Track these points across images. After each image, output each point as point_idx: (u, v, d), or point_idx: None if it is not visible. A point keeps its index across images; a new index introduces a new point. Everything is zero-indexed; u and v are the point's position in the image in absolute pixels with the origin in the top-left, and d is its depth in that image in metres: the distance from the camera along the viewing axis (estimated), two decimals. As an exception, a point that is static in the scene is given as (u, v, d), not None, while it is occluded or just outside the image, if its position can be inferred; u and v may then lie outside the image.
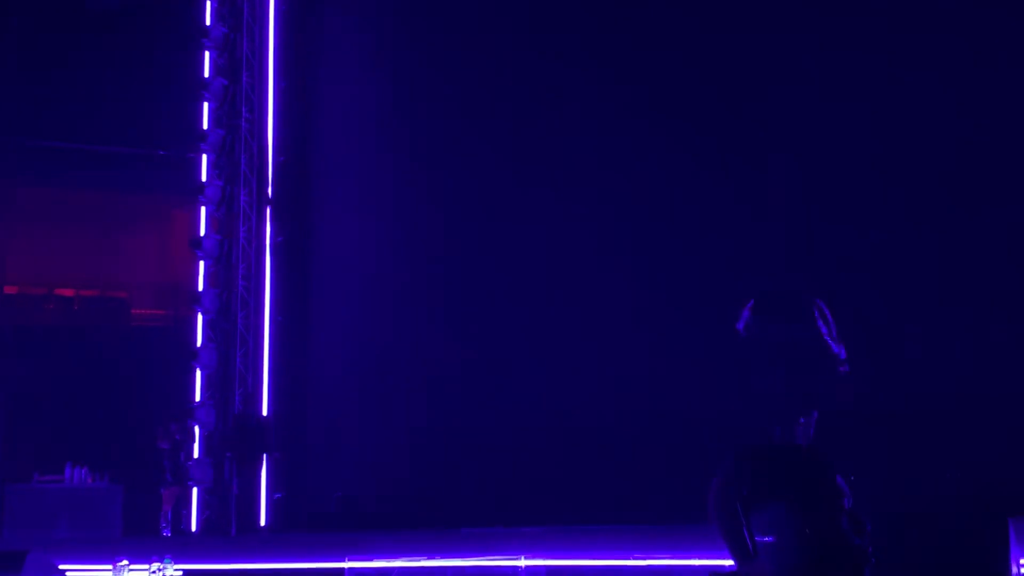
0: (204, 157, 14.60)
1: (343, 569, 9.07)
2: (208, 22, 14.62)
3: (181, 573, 8.87)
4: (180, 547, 10.55)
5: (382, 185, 14.41)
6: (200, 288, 14.52)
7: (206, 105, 14.65)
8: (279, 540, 12.06)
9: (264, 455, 13.88)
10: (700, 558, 7.72)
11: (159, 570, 7.91)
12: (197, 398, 14.27)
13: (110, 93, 15.20)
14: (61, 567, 9.34)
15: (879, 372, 10.98)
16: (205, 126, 14.62)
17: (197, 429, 14.06)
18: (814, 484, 2.07)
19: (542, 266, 13.09)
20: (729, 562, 2.10)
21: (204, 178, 14.56)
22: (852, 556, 2.04)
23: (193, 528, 13.80)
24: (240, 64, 14.72)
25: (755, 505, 2.01)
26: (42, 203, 16.38)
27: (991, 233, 11.18)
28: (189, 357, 14.28)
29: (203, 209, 14.58)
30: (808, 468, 2.07)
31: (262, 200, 14.77)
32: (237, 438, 13.93)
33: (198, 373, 14.34)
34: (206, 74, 14.65)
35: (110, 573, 8.24)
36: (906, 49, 11.64)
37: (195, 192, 14.48)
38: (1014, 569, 6.43)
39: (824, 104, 11.91)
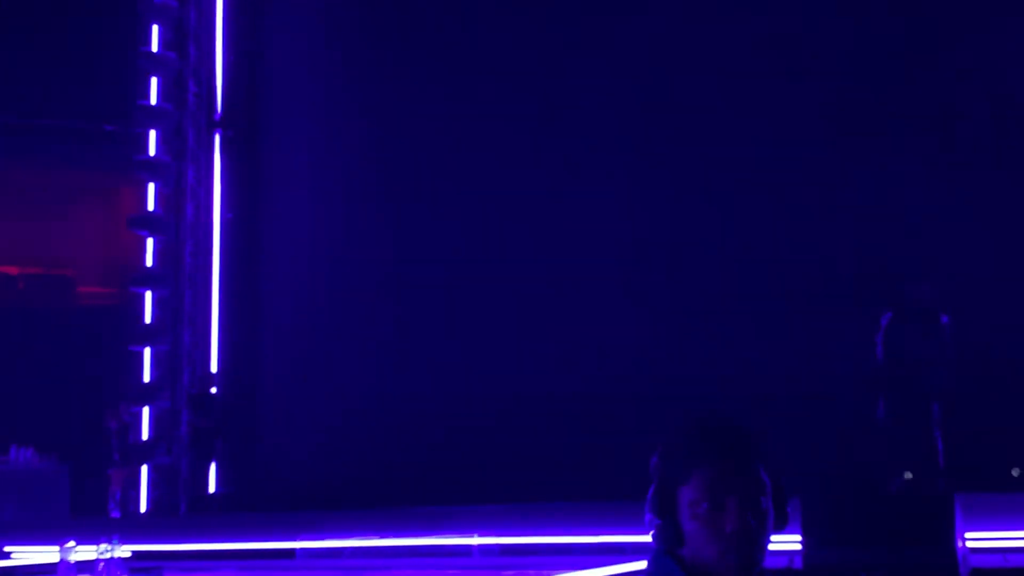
0: (152, 132, 14.39)
1: (294, 548, 9.01)
2: (155, -6, 14.38)
3: (130, 554, 8.75)
4: (128, 528, 10.43)
5: (335, 157, 14.25)
6: (148, 266, 14.34)
7: (154, 79, 14.42)
8: (229, 520, 11.97)
9: (214, 435, 13.76)
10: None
11: (107, 551, 7.76)
12: (146, 377, 14.11)
13: (55, 66, 14.91)
14: (6, 548, 9.20)
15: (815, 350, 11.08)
16: (153, 101, 14.40)
17: (145, 409, 13.91)
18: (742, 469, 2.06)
19: (505, 237, 12.97)
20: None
21: (152, 154, 14.36)
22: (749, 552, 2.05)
23: (142, 509, 13.67)
24: (188, 37, 14.49)
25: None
26: (-16, 179, 16.05)
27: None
28: (137, 336, 14.11)
29: (150, 185, 14.39)
30: (737, 452, 2.06)
31: (210, 175, 14.59)
32: (186, 417, 13.80)
33: (146, 352, 14.18)
34: (154, 47, 14.41)
35: (56, 554, 8.10)
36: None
37: (142, 168, 14.27)
38: (958, 543, 6.53)
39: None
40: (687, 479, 1.98)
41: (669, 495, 2.00)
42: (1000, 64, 11.10)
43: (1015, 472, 9.84)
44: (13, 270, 16.34)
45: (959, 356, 9.94)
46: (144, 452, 13.73)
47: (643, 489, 2.15)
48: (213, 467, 13.82)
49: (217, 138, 14.69)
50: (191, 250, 14.29)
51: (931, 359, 9.85)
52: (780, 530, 2.05)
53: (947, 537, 6.22)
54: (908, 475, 9.62)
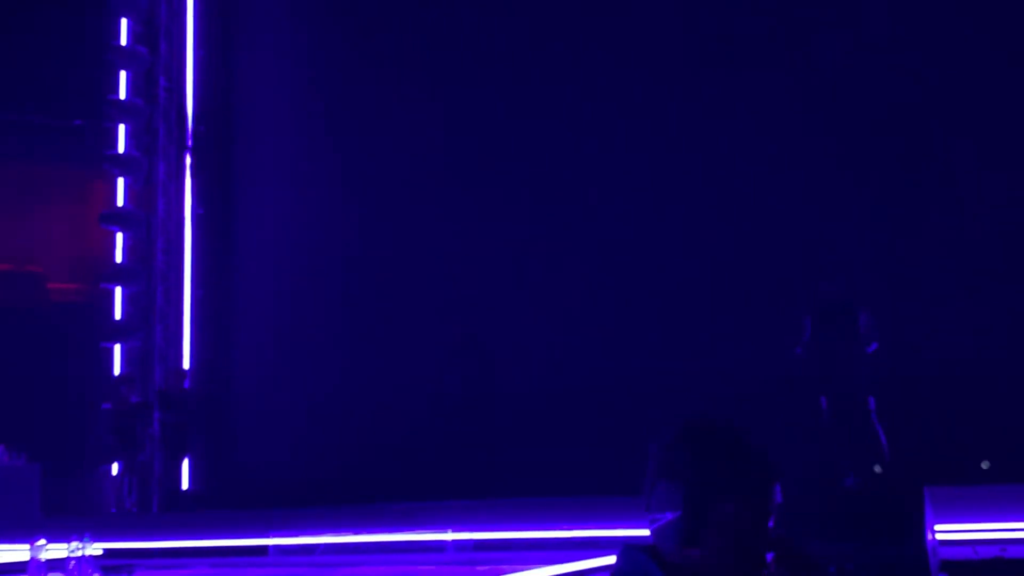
0: (122, 128, 14.29)
1: (267, 545, 8.98)
2: (125, -12, 14.27)
3: (101, 552, 8.71)
4: (100, 525, 10.36)
5: (307, 154, 14.19)
6: (119, 262, 14.24)
7: (124, 74, 14.32)
8: (202, 516, 11.91)
9: (186, 431, 13.68)
10: (624, 528, 7.79)
11: (78, 549, 7.72)
12: (116, 374, 14.02)
13: (23, 61, 14.75)
14: (-24, 548, 9.12)
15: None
16: (123, 96, 14.29)
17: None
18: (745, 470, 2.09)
19: (470, 238, 12.98)
20: (646, 532, 2.14)
21: (122, 149, 14.26)
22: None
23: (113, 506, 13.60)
24: (159, 32, 14.39)
25: (663, 481, 2.07)
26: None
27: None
28: (108, 332, 14.01)
29: (120, 181, 14.29)
30: (740, 452, 2.09)
31: (181, 171, 14.50)
32: (158, 414, 13.70)
33: (117, 349, 14.09)
34: (124, 42, 14.30)
35: (27, 553, 8.05)
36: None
37: (112, 163, 14.16)
38: (928, 535, 6.61)
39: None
40: (732, 492, 2.00)
41: (701, 503, 2.01)
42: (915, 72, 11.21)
43: (984, 465, 9.94)
44: (-19, 267, 16.17)
45: (888, 350, 10.08)
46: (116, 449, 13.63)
47: (615, 484, 2.17)
48: (186, 464, 13.74)
49: (189, 132, 14.59)
50: (163, 246, 14.21)
51: (851, 355, 9.99)
52: None
53: (917, 530, 6.27)
54: (877, 468, 9.70)
